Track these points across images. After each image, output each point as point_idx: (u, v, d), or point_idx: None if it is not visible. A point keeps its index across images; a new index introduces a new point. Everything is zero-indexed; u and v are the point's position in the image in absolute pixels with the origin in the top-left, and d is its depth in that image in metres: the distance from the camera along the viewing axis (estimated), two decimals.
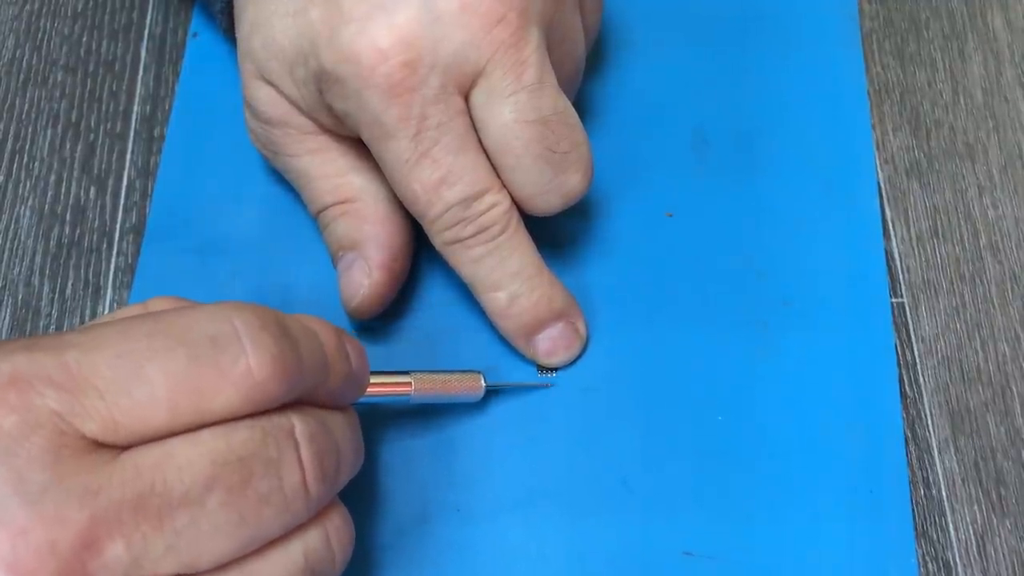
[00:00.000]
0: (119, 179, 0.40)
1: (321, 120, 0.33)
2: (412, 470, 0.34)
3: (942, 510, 0.34)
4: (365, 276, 0.34)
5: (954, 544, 0.33)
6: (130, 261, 0.38)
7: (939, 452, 0.35)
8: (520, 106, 0.31)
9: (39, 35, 0.43)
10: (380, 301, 0.34)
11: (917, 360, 0.36)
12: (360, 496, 0.33)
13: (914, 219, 0.39)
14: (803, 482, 0.33)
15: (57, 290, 0.37)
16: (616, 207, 0.38)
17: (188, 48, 0.42)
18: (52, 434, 0.21)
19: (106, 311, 0.37)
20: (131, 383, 0.22)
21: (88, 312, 0.37)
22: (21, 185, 0.39)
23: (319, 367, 0.26)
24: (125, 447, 0.22)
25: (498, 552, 0.32)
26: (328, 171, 0.35)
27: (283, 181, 0.37)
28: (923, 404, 0.36)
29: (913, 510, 0.33)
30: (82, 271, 0.38)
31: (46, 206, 0.39)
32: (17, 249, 0.38)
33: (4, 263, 0.38)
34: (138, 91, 0.41)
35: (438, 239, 0.32)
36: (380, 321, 0.36)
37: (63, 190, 0.39)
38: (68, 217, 0.39)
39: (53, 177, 0.40)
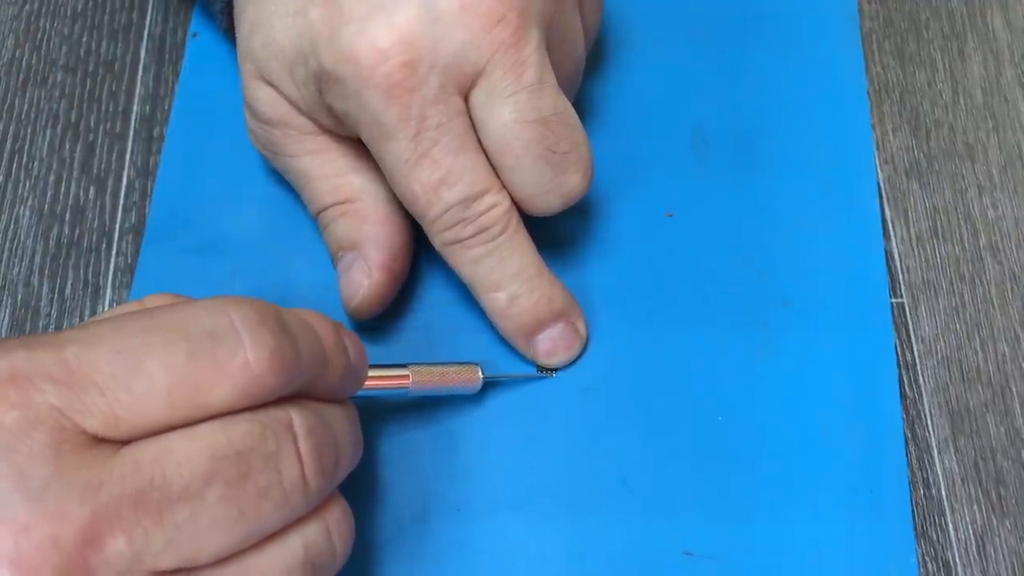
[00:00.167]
0: (119, 179, 0.40)
1: (321, 120, 0.33)
2: (412, 466, 0.34)
3: (942, 510, 0.34)
4: (365, 276, 0.34)
5: (954, 544, 0.33)
6: (129, 261, 0.38)
7: (939, 452, 0.35)
8: (520, 106, 0.31)
9: (39, 35, 0.43)
10: (380, 301, 0.34)
11: (917, 360, 0.36)
12: (360, 491, 0.33)
13: (914, 219, 0.39)
14: (803, 482, 0.33)
15: (56, 290, 0.37)
16: (616, 207, 0.38)
17: (188, 48, 0.42)
18: (52, 430, 0.21)
19: (105, 311, 0.37)
20: (130, 378, 0.22)
21: (88, 312, 0.37)
22: (21, 185, 0.39)
23: (317, 360, 0.26)
24: (125, 442, 0.22)
25: (498, 551, 0.32)
26: (328, 171, 0.35)
27: (283, 181, 0.37)
28: (923, 404, 0.36)
29: (913, 510, 0.33)
30: (81, 271, 0.38)
31: (45, 206, 0.39)
32: (16, 249, 0.38)
33: (4, 263, 0.38)
34: (138, 91, 0.41)
35: (438, 239, 0.32)
36: (380, 321, 0.36)
37: (62, 190, 0.39)
38: (67, 217, 0.39)
39: (52, 177, 0.40)
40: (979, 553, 0.33)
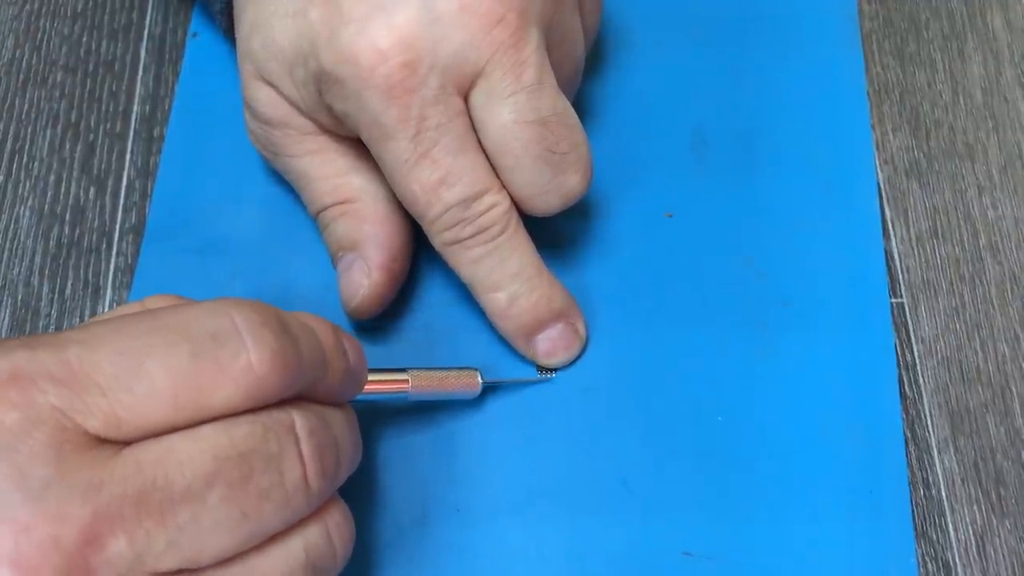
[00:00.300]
0: (119, 179, 0.40)
1: (321, 121, 0.33)
2: (411, 469, 0.34)
3: (942, 510, 0.34)
4: (365, 276, 0.34)
5: (954, 544, 0.33)
6: (130, 261, 0.38)
7: (939, 452, 0.35)
8: (519, 107, 0.31)
9: (39, 35, 0.43)
10: (380, 301, 0.34)
11: (917, 360, 0.36)
12: (360, 494, 0.33)
13: (914, 219, 0.39)
14: (803, 482, 0.33)
15: (57, 290, 0.37)
16: (616, 207, 0.38)
17: (188, 48, 0.42)
18: (54, 430, 0.21)
19: (105, 311, 0.37)
20: (132, 379, 0.22)
21: (88, 312, 0.37)
22: (21, 185, 0.39)
23: (318, 363, 0.26)
24: (127, 443, 0.22)
25: (498, 552, 0.32)
26: (328, 172, 0.35)
27: (283, 181, 0.37)
28: (923, 404, 0.36)
29: (913, 510, 0.33)
30: (82, 271, 0.38)
31: (46, 206, 0.39)
32: (17, 249, 0.38)
33: (4, 263, 0.38)
34: (138, 91, 0.41)
35: (437, 240, 0.32)
36: (380, 321, 0.36)
37: (63, 190, 0.39)
38: (68, 217, 0.39)
39: (53, 177, 0.40)
40: (979, 553, 0.33)
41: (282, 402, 0.25)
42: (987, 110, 0.41)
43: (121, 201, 0.39)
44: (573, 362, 0.35)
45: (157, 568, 0.22)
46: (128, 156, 0.40)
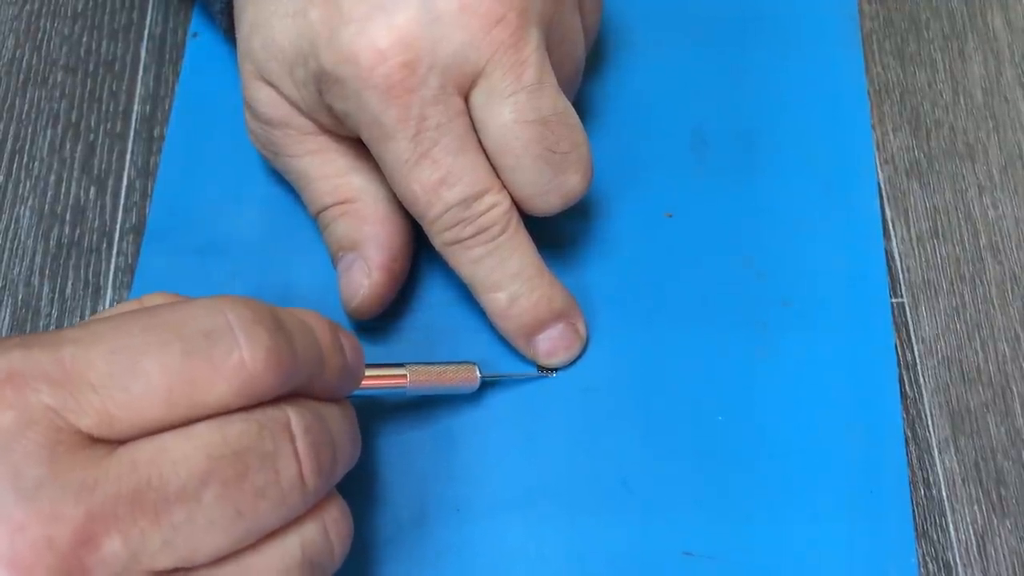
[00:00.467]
0: (119, 179, 0.40)
1: (321, 121, 0.33)
2: (410, 466, 0.34)
3: (942, 510, 0.34)
4: (365, 276, 0.34)
5: (954, 544, 0.33)
6: (130, 261, 0.38)
7: (939, 452, 0.35)
8: (520, 106, 0.31)
9: (39, 35, 0.43)
10: (380, 301, 0.34)
11: (917, 360, 0.36)
12: (358, 491, 0.33)
13: (914, 219, 0.39)
14: (803, 482, 0.33)
15: (57, 290, 0.37)
16: (616, 207, 0.38)
17: (188, 48, 0.42)
18: (47, 430, 0.21)
19: (105, 310, 0.37)
20: (126, 377, 0.22)
21: (88, 312, 0.37)
22: (21, 185, 0.39)
23: (314, 360, 0.26)
24: (121, 442, 0.22)
25: (497, 551, 0.32)
26: (328, 172, 0.35)
27: (283, 181, 0.37)
28: (923, 404, 0.36)
29: (913, 510, 0.33)
30: (82, 271, 0.38)
31: (46, 206, 0.39)
32: (17, 249, 0.38)
33: (4, 263, 0.38)
34: (138, 91, 0.41)
35: (438, 240, 0.32)
36: (380, 321, 0.36)
37: (63, 190, 0.39)
38: (68, 217, 0.39)
39: (53, 177, 0.40)
40: (979, 553, 0.33)
41: (278, 399, 0.24)
42: (987, 110, 0.41)
43: (121, 201, 0.39)
44: (573, 362, 0.35)
45: (152, 567, 0.22)
46: (128, 156, 0.40)
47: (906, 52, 0.43)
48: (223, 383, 0.23)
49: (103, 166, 0.40)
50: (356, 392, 0.30)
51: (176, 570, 0.22)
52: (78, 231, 0.38)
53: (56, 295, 0.37)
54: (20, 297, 0.37)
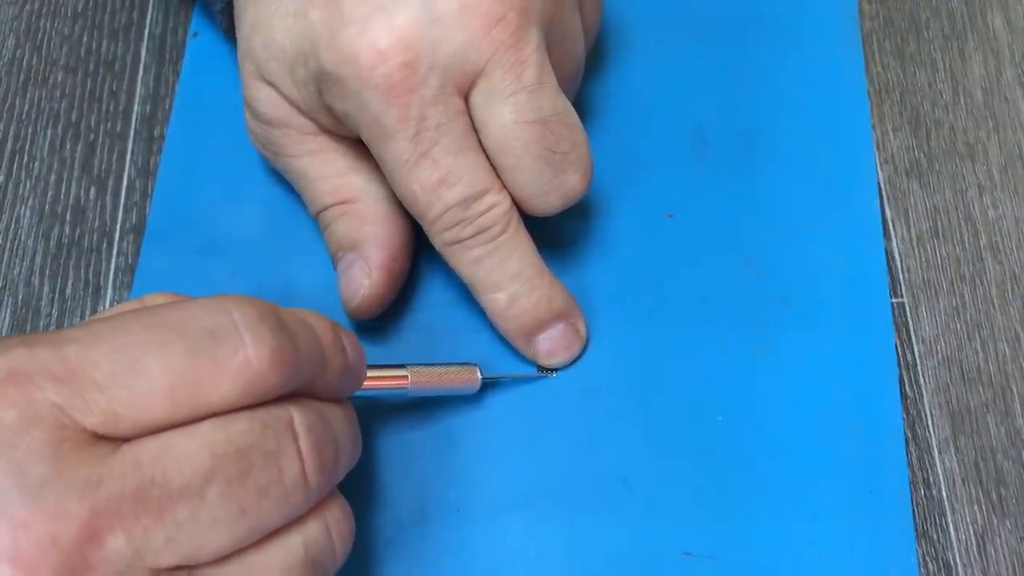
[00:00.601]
0: (119, 179, 0.40)
1: (321, 121, 0.33)
2: (411, 466, 0.34)
3: (942, 510, 0.34)
4: (365, 276, 0.34)
5: (954, 544, 0.33)
6: (130, 261, 0.38)
7: (939, 452, 0.35)
8: (520, 106, 0.31)
9: (39, 35, 0.43)
10: (380, 301, 0.34)
11: (917, 360, 0.36)
12: (359, 491, 0.33)
13: (914, 219, 0.39)
14: (803, 482, 0.33)
15: (57, 290, 0.37)
16: (616, 207, 0.38)
17: (188, 48, 0.42)
18: (52, 427, 0.21)
19: (106, 309, 0.37)
20: (130, 376, 0.22)
21: (88, 312, 0.37)
22: (21, 185, 0.39)
23: (316, 359, 0.26)
24: (125, 440, 0.22)
25: (497, 551, 0.32)
26: (328, 171, 0.35)
27: (283, 181, 0.37)
28: (923, 404, 0.36)
29: (913, 510, 0.33)
30: (82, 271, 0.38)
31: (46, 206, 0.39)
32: (17, 249, 0.38)
33: (4, 263, 0.38)
34: (138, 91, 0.41)
35: (438, 240, 0.32)
36: (380, 321, 0.36)
37: (63, 190, 0.39)
38: (68, 217, 0.39)
39: (53, 177, 0.40)
40: (979, 553, 0.33)
41: (281, 398, 0.24)
42: (987, 110, 0.41)
43: (121, 201, 0.39)
44: (574, 362, 0.35)
45: (156, 565, 0.22)
46: (128, 156, 0.40)
47: (906, 52, 0.43)
48: (228, 382, 0.23)
49: (103, 166, 0.40)
50: (357, 393, 0.30)
51: (179, 568, 0.22)
52: (78, 231, 0.39)
53: (56, 295, 0.37)
54: (20, 297, 0.37)
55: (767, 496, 0.33)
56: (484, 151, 0.32)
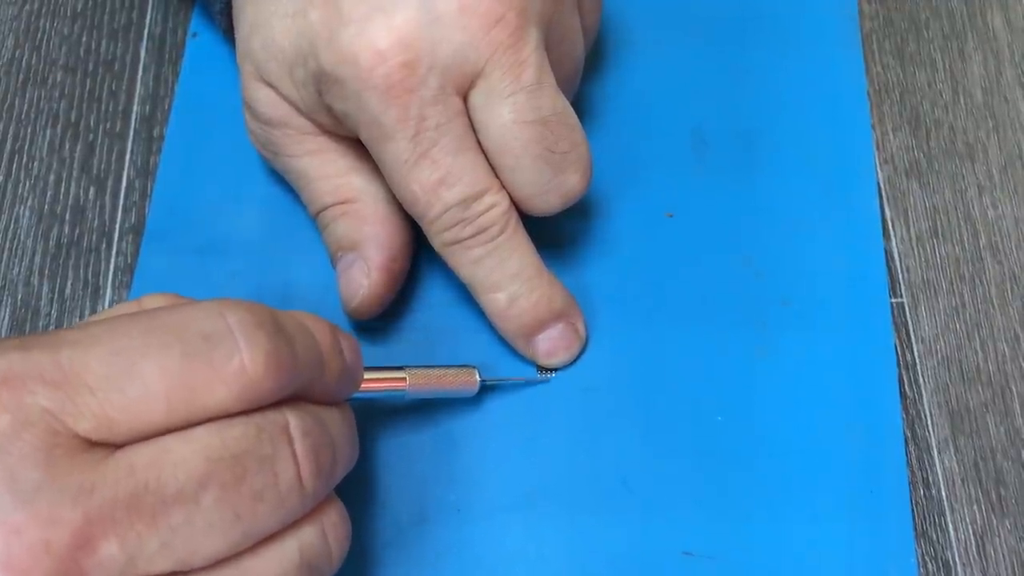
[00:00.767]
0: (118, 179, 0.40)
1: (320, 121, 0.33)
2: (410, 468, 0.34)
3: (942, 510, 0.34)
4: (364, 276, 0.34)
5: (954, 544, 0.33)
6: (129, 261, 0.38)
7: (939, 452, 0.35)
8: (519, 106, 0.31)
9: (39, 35, 0.43)
10: (379, 302, 0.34)
11: (917, 360, 0.36)
12: (358, 494, 0.33)
13: (914, 219, 0.39)
14: (803, 482, 0.33)
15: (56, 290, 0.37)
16: (616, 207, 0.38)
17: (188, 48, 0.42)
18: (44, 433, 0.21)
19: (103, 310, 0.37)
20: (124, 380, 0.22)
21: (87, 312, 0.37)
22: (20, 185, 0.39)
23: (314, 363, 0.26)
24: (119, 445, 0.22)
25: (497, 552, 0.32)
26: (327, 172, 0.35)
27: (283, 181, 0.37)
28: (923, 404, 0.36)
29: (913, 510, 0.33)
30: (81, 271, 0.38)
31: (45, 206, 0.39)
32: (16, 249, 0.38)
33: (3, 263, 0.38)
34: (138, 91, 0.41)
35: (437, 240, 0.32)
36: (379, 321, 0.36)
37: (62, 190, 0.39)
38: (67, 217, 0.39)
39: (52, 177, 0.40)
40: (979, 553, 0.33)
41: (277, 402, 0.24)
42: (987, 110, 0.41)
43: (121, 201, 0.39)
44: (573, 362, 0.35)
45: (149, 570, 0.22)
46: (128, 156, 0.40)
47: (906, 52, 0.43)
48: (223, 387, 0.23)
49: (103, 166, 0.40)
50: (355, 395, 0.30)
51: (174, 573, 0.22)
52: (77, 231, 0.38)
53: (55, 295, 0.37)
54: (19, 297, 0.37)
55: (767, 496, 0.33)
56: (483, 151, 0.32)
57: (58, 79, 0.42)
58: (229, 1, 0.36)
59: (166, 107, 0.41)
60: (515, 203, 0.32)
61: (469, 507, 0.33)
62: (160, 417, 0.22)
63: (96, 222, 0.39)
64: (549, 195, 0.32)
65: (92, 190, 0.39)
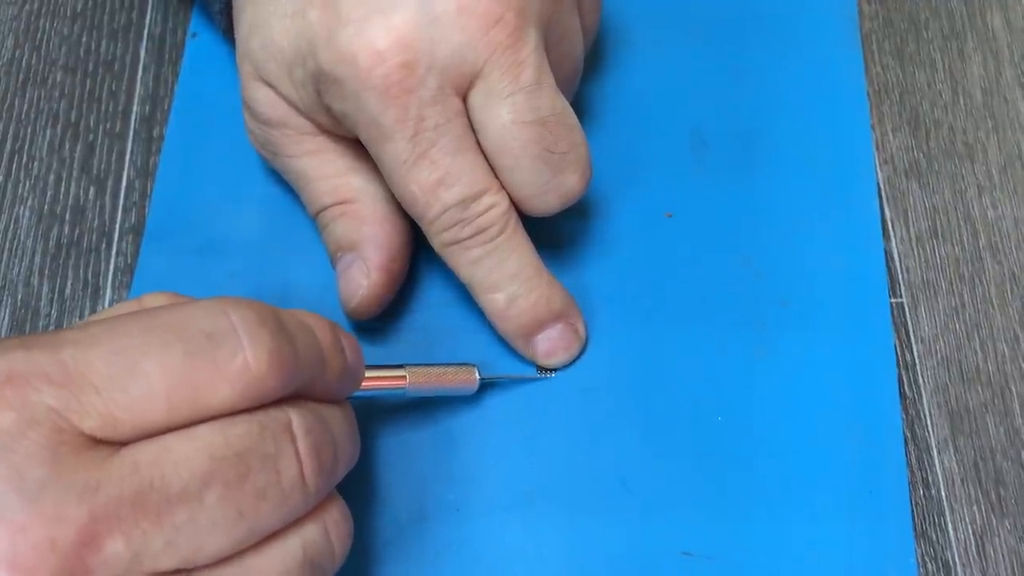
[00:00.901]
0: (118, 179, 0.40)
1: (319, 121, 0.33)
2: (410, 466, 0.34)
3: (941, 510, 0.34)
4: (364, 277, 0.34)
5: (953, 544, 0.33)
6: (129, 261, 0.38)
7: (938, 452, 0.35)
8: (518, 107, 0.31)
9: (38, 35, 0.43)
10: (378, 302, 0.34)
11: (916, 360, 0.36)
12: (358, 492, 0.33)
13: (913, 219, 0.39)
14: (802, 482, 0.33)
15: (56, 290, 0.37)
16: (615, 207, 0.38)
17: (187, 48, 0.42)
18: (50, 431, 0.21)
19: (104, 310, 0.37)
20: (128, 379, 0.22)
21: (87, 312, 0.37)
22: (20, 185, 0.39)
23: (315, 361, 0.26)
24: (123, 443, 0.22)
25: (497, 551, 0.32)
26: (327, 172, 0.35)
27: (282, 181, 0.37)
28: (922, 404, 0.36)
29: (912, 510, 0.33)
30: (81, 271, 0.38)
31: (45, 206, 0.39)
32: (16, 249, 0.38)
33: (3, 263, 0.38)
34: (137, 91, 0.41)
35: (436, 240, 0.32)
36: (379, 321, 0.36)
37: (62, 190, 0.39)
38: (67, 217, 0.39)
39: (52, 177, 0.40)
40: (979, 553, 0.33)
41: (279, 400, 0.24)
42: (987, 110, 0.41)
43: (121, 201, 0.39)
44: (573, 362, 0.35)
45: (154, 568, 0.22)
46: (128, 156, 0.40)
47: (905, 52, 0.43)
48: (226, 385, 0.23)
49: (102, 166, 0.40)
50: (356, 393, 0.30)
51: (178, 571, 0.22)
52: (77, 231, 0.39)
53: (55, 295, 0.37)
54: (19, 297, 0.37)
55: (766, 496, 0.33)
56: (482, 152, 0.32)
57: (58, 79, 0.42)
58: (228, 1, 0.36)
59: (166, 107, 0.41)
60: (514, 203, 0.32)
61: (468, 505, 0.33)
62: (163, 415, 0.22)
63: (96, 222, 0.39)
64: (548, 195, 0.32)
65: (92, 190, 0.39)
